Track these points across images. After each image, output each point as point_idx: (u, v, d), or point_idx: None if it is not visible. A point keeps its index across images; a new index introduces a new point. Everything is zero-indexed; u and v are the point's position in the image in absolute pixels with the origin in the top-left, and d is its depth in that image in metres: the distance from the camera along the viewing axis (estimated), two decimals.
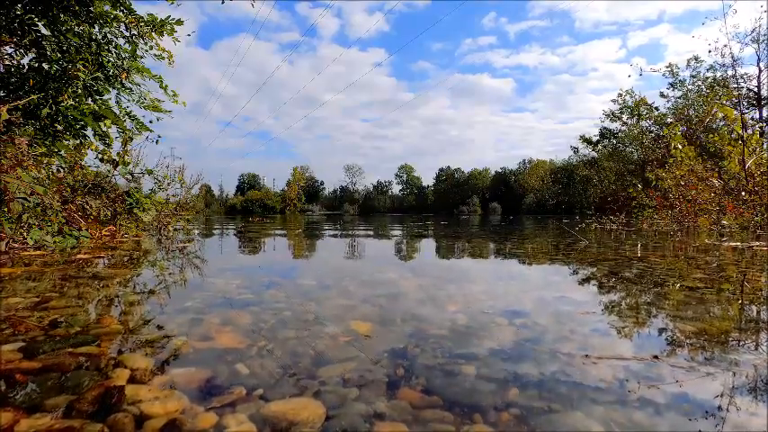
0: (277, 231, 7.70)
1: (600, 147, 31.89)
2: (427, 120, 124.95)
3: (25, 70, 4.04)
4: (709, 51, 24.96)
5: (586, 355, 1.05)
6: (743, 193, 7.28)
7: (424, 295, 1.89)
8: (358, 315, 1.46)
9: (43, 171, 3.78)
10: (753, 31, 19.81)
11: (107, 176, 4.86)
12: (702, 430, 0.71)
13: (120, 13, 4.26)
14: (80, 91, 4.17)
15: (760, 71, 21.72)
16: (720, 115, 8.37)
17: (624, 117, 28.96)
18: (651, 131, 26.22)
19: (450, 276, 2.57)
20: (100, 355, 1.01)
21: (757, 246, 4.15)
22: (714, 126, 8.24)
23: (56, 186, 3.88)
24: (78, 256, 2.95)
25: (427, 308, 1.60)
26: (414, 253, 4.15)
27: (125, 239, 4.44)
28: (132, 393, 0.80)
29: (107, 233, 4.48)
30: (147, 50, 4.62)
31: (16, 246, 3.06)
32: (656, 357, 1.05)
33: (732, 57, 21.14)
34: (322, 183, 74.44)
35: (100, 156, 4.85)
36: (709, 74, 22.94)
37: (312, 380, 0.89)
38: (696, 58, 23.99)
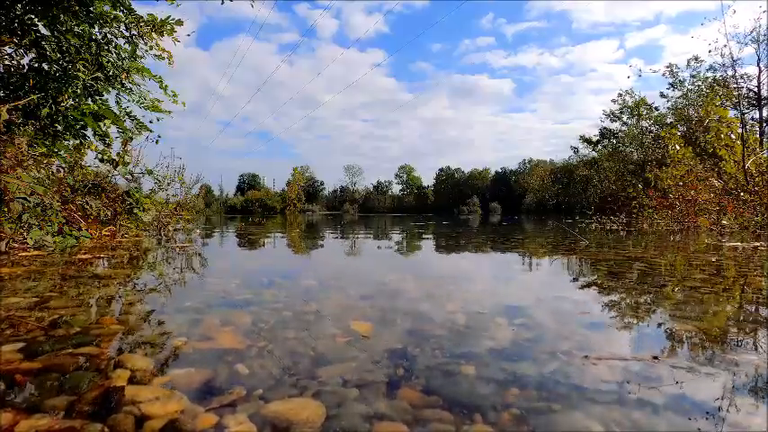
0: (277, 232, 7.70)
1: (600, 147, 31.90)
2: (427, 120, 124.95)
3: (25, 70, 4.04)
4: (709, 51, 24.96)
5: (586, 356, 1.05)
6: (742, 194, 7.28)
7: (423, 295, 1.89)
8: (358, 315, 1.46)
9: (43, 171, 3.78)
10: (752, 32, 19.82)
11: (107, 176, 4.86)
12: (702, 431, 0.71)
13: (120, 14, 4.26)
14: (80, 91, 4.17)
15: (760, 71, 21.73)
16: (716, 116, 8.35)
17: (624, 117, 28.98)
18: (651, 131, 26.23)
19: (450, 276, 2.57)
20: (100, 355, 1.01)
21: (759, 245, 4.15)
22: (713, 126, 8.21)
23: (56, 186, 3.88)
24: (78, 256, 2.95)
25: (427, 308, 1.61)
26: (414, 254, 4.15)
27: (125, 239, 4.44)
28: (132, 394, 0.80)
29: (107, 233, 4.48)
30: (147, 50, 4.63)
31: (16, 246, 3.06)
32: (655, 358, 1.05)
33: (731, 57, 21.15)
34: (322, 183, 74.37)
35: (100, 156, 4.85)
36: (709, 74, 22.96)
37: (312, 380, 0.89)
38: (696, 58, 24.00)
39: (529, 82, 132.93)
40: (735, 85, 19.40)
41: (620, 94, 28.69)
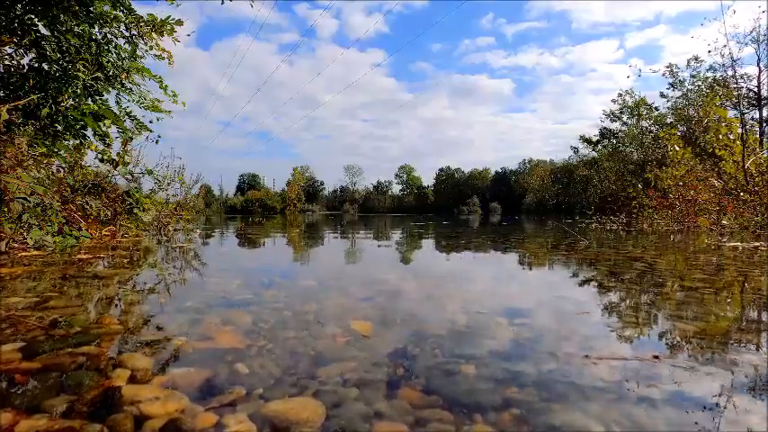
0: (277, 232, 7.70)
1: (600, 147, 31.92)
2: (427, 120, 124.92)
3: (25, 70, 4.04)
4: (709, 52, 24.98)
5: (586, 356, 1.05)
6: (742, 194, 7.28)
7: (423, 295, 1.89)
8: (358, 315, 1.46)
9: (43, 171, 3.78)
10: (752, 32, 19.83)
11: (107, 176, 4.86)
12: (702, 430, 0.71)
13: (120, 14, 4.26)
14: (80, 91, 4.17)
15: (760, 71, 21.74)
16: (716, 116, 8.34)
17: (624, 117, 29.00)
18: (651, 131, 26.25)
19: (450, 276, 2.57)
20: (100, 355, 1.01)
21: (759, 245, 4.15)
22: (713, 126, 8.22)
23: (56, 186, 3.88)
24: (78, 256, 2.95)
25: (427, 308, 1.60)
26: (415, 254, 4.15)
27: (125, 239, 4.44)
28: (132, 393, 0.80)
29: (107, 233, 4.48)
30: (147, 50, 4.63)
31: (16, 246, 3.06)
32: (656, 357, 1.05)
33: (731, 57, 21.16)
34: (322, 183, 74.34)
35: (100, 156, 4.85)
36: (709, 74, 22.98)
37: (312, 380, 0.89)
38: (696, 58, 24.02)
39: (529, 82, 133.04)
40: (735, 85, 19.40)
41: (620, 94, 28.73)
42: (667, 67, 25.59)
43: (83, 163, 4.66)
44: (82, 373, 0.89)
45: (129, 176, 5.24)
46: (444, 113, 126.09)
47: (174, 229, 6.32)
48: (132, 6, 4.25)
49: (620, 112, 29.07)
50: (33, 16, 3.84)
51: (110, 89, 4.54)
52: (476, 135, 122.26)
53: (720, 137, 7.82)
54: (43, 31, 3.94)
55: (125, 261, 2.87)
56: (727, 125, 8.02)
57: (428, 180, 78.02)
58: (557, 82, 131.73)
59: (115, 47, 4.42)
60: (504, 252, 4.03)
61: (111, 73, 4.38)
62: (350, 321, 1.35)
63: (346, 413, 0.75)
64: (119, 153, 5.03)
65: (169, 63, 4.79)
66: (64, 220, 3.81)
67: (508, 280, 2.46)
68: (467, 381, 0.90)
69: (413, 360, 1.02)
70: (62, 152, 4.41)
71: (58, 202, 3.67)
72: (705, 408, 0.79)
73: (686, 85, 24.85)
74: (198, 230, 7.08)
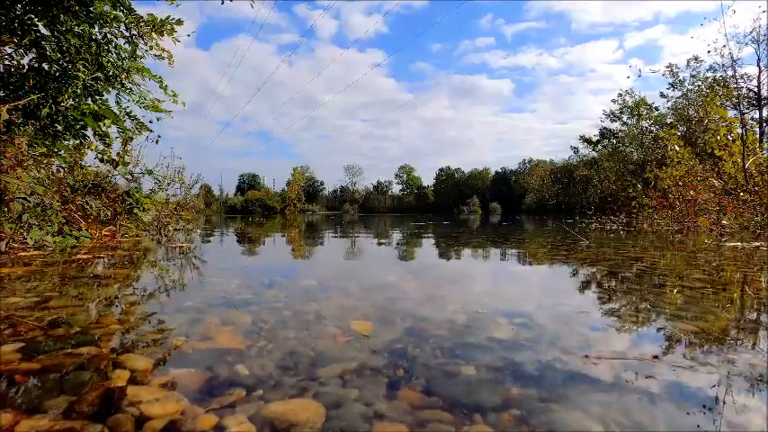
0: (277, 232, 7.70)
1: (600, 147, 31.92)
2: (427, 120, 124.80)
3: (25, 70, 4.04)
4: (708, 52, 25.05)
5: (586, 356, 1.05)
6: (742, 194, 7.27)
7: (423, 295, 1.89)
8: (358, 315, 1.46)
9: (43, 171, 3.78)
10: (752, 32, 19.83)
11: (107, 176, 4.86)
12: (702, 430, 0.71)
13: (120, 14, 4.26)
14: (80, 91, 4.17)
15: (760, 71, 21.74)
16: (716, 116, 8.32)
17: (624, 117, 29.00)
18: (651, 131, 26.25)
19: (450, 276, 2.57)
20: (100, 355, 1.01)
21: (759, 245, 4.15)
22: (712, 127, 8.21)
23: (56, 186, 3.88)
24: (78, 256, 2.95)
25: (427, 308, 1.60)
26: (415, 254, 4.15)
27: (125, 239, 4.44)
28: (132, 394, 0.80)
29: (107, 233, 4.48)
30: (147, 50, 4.63)
31: (16, 246, 3.06)
32: (656, 357, 1.05)
33: (731, 57, 21.15)
34: (322, 183, 74.31)
35: (100, 156, 4.85)
36: (709, 74, 22.98)
37: (312, 380, 0.89)
38: (696, 58, 24.02)
39: (528, 82, 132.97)
40: (735, 85, 19.41)
41: (620, 94, 28.71)
42: (667, 67, 25.60)
43: (83, 163, 4.66)
44: (82, 373, 0.89)
45: (129, 176, 5.24)
46: (444, 113, 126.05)
47: (174, 229, 6.32)
48: (132, 6, 4.26)
49: (620, 112, 29.06)
50: (33, 16, 3.84)
51: (110, 89, 4.54)
52: (476, 135, 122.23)
53: (720, 137, 7.80)
54: (43, 31, 3.94)
55: (125, 261, 2.87)
56: (727, 125, 8.01)
57: (428, 180, 78.07)
58: (556, 82, 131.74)
59: (115, 47, 4.42)
60: (504, 252, 4.03)
61: (111, 73, 4.38)
62: (350, 321, 1.35)
63: (346, 414, 0.75)
64: (119, 153, 5.03)
65: (169, 63, 4.79)
66: (64, 220, 3.81)
67: (508, 280, 2.46)
68: (467, 381, 0.90)
69: (413, 360, 1.02)
70: (62, 152, 4.41)
71: (58, 202, 3.67)
72: (705, 408, 0.79)
73: (686, 85, 24.88)
74: (198, 230, 7.08)
